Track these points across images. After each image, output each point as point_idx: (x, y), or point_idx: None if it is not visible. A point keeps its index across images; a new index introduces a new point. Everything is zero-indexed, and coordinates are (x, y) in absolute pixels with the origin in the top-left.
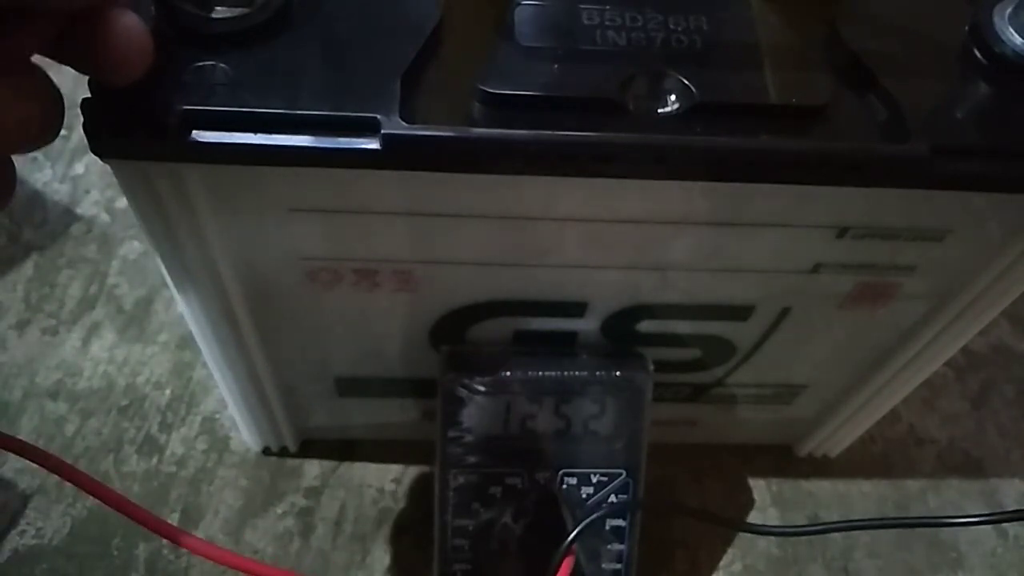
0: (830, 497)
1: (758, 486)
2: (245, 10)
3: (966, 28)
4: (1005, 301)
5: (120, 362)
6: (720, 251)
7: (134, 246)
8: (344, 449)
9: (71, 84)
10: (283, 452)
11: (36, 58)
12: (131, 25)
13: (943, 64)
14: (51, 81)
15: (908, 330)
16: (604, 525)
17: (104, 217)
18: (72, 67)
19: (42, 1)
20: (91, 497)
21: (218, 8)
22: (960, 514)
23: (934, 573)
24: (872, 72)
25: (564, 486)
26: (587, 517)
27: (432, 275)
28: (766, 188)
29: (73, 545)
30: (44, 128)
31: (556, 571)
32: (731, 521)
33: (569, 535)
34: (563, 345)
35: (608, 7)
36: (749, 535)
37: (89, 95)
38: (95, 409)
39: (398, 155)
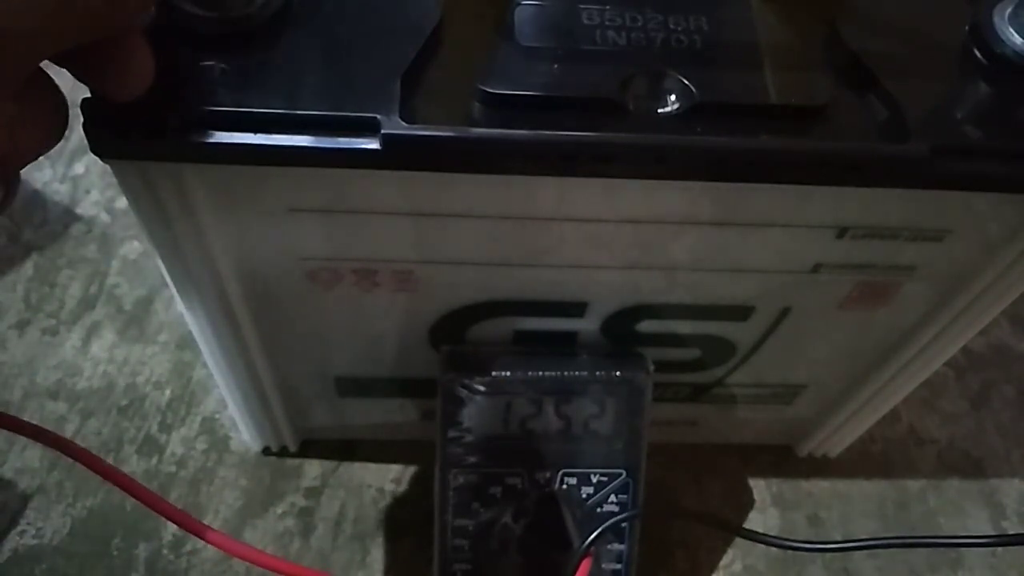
0: (830, 497)
1: (758, 486)
2: (245, 10)
3: (966, 28)
4: (1005, 301)
5: (120, 362)
6: (720, 251)
7: (134, 246)
8: (344, 449)
9: (71, 83)
10: (283, 452)
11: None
12: (144, 53)
13: (943, 64)
14: (58, 89)
15: (908, 330)
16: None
17: (104, 217)
18: (72, 73)
19: (78, 31)
20: (90, 497)
21: (218, 8)
22: (963, 534)
23: (934, 573)
24: (872, 72)
25: (564, 486)
26: (588, 517)
27: (432, 275)
28: (766, 188)
29: (73, 545)
30: (51, 139)
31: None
32: (735, 527)
33: (584, 538)
34: (563, 345)
35: (608, 7)
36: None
37: (89, 95)
38: (95, 409)
39: (398, 155)
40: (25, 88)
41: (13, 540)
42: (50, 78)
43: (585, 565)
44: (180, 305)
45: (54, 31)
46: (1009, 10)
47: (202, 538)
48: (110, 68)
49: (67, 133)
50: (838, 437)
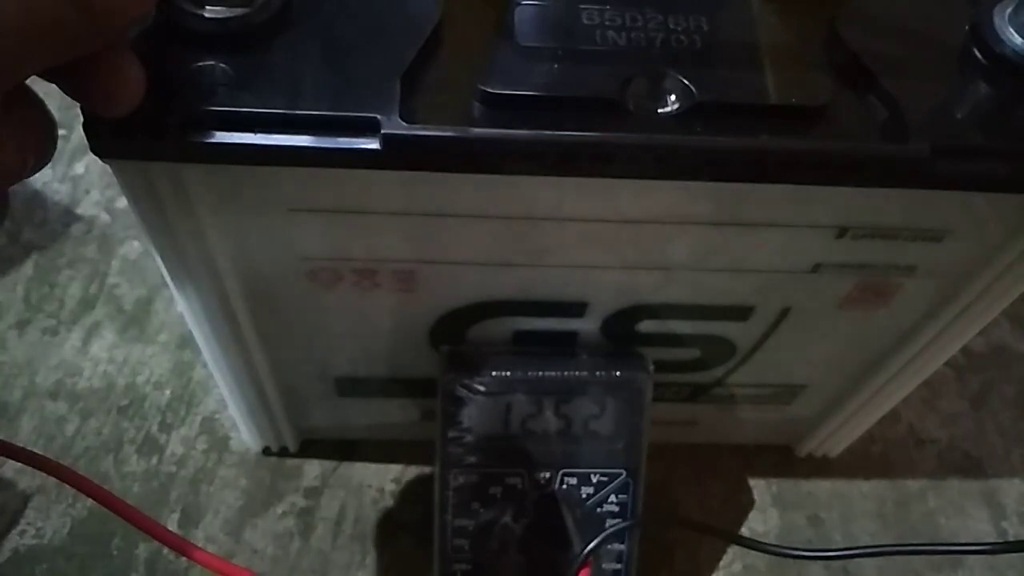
0: (830, 497)
1: (758, 486)
2: (245, 10)
3: (966, 28)
4: (1005, 301)
5: (120, 362)
6: (720, 251)
7: (134, 246)
8: (344, 449)
9: None
10: (283, 452)
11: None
12: (133, 69)
13: (943, 64)
14: (45, 107)
15: (908, 330)
16: (604, 525)
17: (104, 217)
18: (61, 89)
19: (63, 49)
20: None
21: (218, 8)
22: (962, 542)
23: (934, 573)
24: (872, 72)
25: (564, 486)
26: (588, 517)
27: (432, 275)
28: (766, 188)
29: (73, 545)
30: (39, 159)
31: None
32: (734, 535)
33: (584, 539)
34: (563, 345)
35: (608, 7)
36: (749, 535)
37: None
38: (95, 409)
39: (398, 155)
40: (9, 106)
41: (13, 540)
42: (36, 95)
43: (584, 574)
44: (180, 305)
45: (29, 49)
46: (1009, 10)
47: (188, 557)
48: (98, 85)
49: (67, 133)
50: (838, 437)
